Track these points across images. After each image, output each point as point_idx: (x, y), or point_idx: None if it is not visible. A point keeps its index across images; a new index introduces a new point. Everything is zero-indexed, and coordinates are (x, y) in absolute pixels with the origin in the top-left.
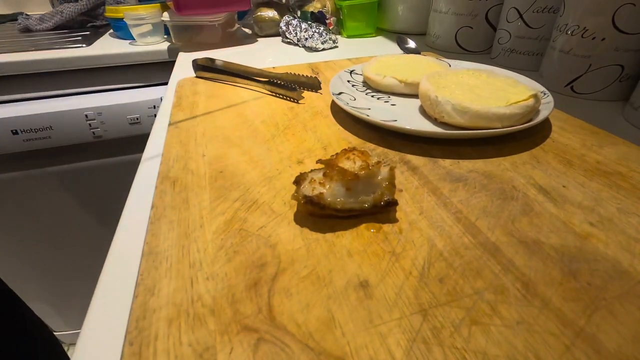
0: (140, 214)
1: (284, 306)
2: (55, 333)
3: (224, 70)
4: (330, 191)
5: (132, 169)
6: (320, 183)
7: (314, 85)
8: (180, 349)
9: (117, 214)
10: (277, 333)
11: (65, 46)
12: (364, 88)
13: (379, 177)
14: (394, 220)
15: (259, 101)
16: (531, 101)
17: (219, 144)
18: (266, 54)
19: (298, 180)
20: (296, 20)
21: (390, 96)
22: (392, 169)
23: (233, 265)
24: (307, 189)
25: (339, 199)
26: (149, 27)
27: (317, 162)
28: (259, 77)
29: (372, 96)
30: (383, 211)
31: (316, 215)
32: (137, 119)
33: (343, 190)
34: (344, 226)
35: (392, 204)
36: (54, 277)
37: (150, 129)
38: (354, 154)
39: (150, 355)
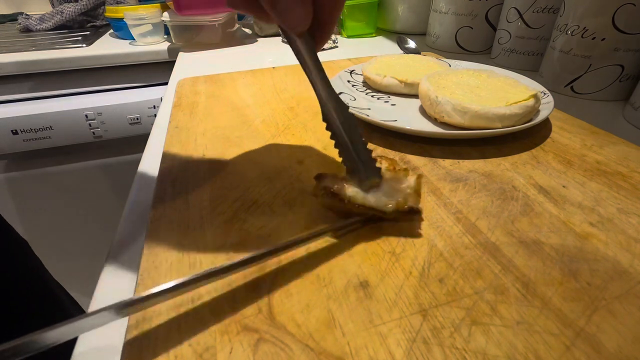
0: (140, 215)
1: (284, 306)
2: None
3: None
4: (351, 186)
5: (132, 169)
6: (342, 179)
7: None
8: (180, 349)
9: (117, 214)
10: (277, 333)
11: (65, 46)
12: (364, 88)
13: (404, 184)
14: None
15: (259, 101)
16: (531, 101)
17: (219, 144)
18: (266, 54)
19: (319, 176)
20: None
21: (390, 96)
22: (419, 177)
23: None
24: (328, 183)
25: (360, 195)
26: (149, 27)
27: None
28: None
29: (372, 96)
30: (406, 219)
31: (334, 210)
32: (137, 119)
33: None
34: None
35: (415, 212)
36: (54, 277)
37: (150, 129)
38: (380, 157)
39: (150, 355)
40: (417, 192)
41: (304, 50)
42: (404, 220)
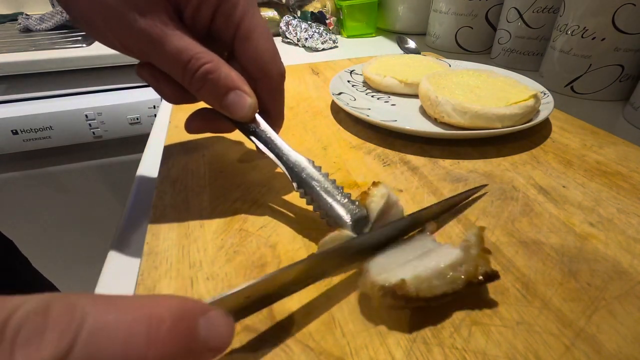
0: (140, 214)
1: (283, 306)
2: None
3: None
4: (403, 268)
5: (132, 169)
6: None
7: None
8: None
9: (117, 214)
10: (277, 333)
11: (65, 46)
12: (364, 88)
13: (464, 243)
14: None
15: None
16: (531, 101)
17: (219, 144)
18: None
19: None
20: (296, 20)
21: (390, 96)
22: (481, 230)
23: (233, 265)
24: (379, 279)
25: (424, 285)
26: None
27: None
28: None
29: (372, 96)
30: (481, 287)
31: (398, 308)
32: (137, 119)
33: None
34: None
35: (493, 277)
36: (54, 278)
37: (150, 129)
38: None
39: None
40: (483, 249)
41: (263, 124)
42: (479, 286)
